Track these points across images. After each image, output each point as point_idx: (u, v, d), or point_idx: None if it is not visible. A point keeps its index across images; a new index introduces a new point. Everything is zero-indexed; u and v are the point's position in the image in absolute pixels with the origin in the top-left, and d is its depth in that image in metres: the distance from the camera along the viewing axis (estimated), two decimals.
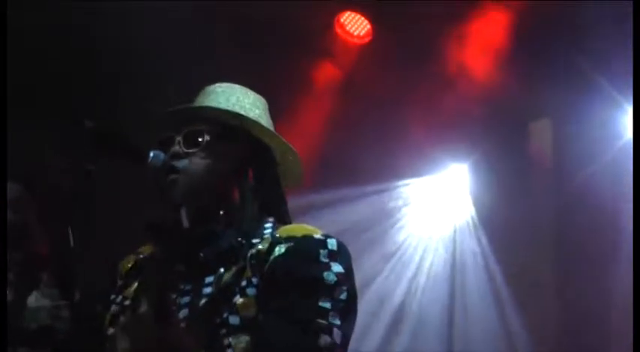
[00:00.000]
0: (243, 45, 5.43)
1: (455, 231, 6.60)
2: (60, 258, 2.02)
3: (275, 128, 2.34)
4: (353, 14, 5.89)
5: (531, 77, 5.64)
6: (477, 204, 6.45)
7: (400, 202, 6.72)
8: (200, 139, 2.18)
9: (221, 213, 2.13)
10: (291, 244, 2.06)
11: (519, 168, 6.21)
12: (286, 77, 5.64)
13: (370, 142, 6.10)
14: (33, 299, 1.99)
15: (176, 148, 2.18)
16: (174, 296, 2.03)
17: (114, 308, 2.17)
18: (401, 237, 6.72)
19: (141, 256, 2.26)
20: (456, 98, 5.88)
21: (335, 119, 6.01)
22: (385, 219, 6.72)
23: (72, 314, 2.00)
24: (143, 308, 1.83)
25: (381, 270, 6.64)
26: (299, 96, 5.97)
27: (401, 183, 6.63)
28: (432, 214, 6.70)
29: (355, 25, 5.92)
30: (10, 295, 2.96)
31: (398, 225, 6.73)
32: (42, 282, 1.99)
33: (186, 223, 1.92)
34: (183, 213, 1.94)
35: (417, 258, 6.68)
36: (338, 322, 1.96)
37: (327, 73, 6.01)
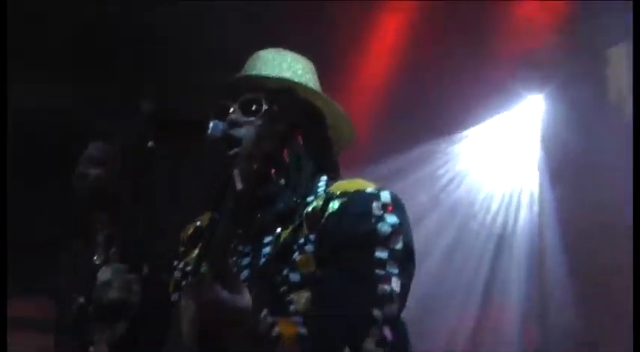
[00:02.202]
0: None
1: (530, 173, 6.55)
2: (128, 232, 2.11)
3: (324, 88, 2.36)
4: None
5: (606, 1, 5.51)
6: (552, 137, 6.36)
7: (474, 147, 6.67)
8: (258, 107, 2.20)
9: (274, 175, 2.14)
10: (345, 199, 2.09)
11: (596, 97, 6.09)
12: (349, 25, 5.65)
13: (441, 86, 6.05)
14: (103, 274, 2.07)
15: (233, 117, 2.20)
16: (234, 258, 2.09)
17: (176, 274, 2.27)
18: (475, 184, 6.70)
19: (198, 223, 2.35)
20: (529, 27, 5.78)
21: (400, 64, 5.98)
22: (460, 166, 6.70)
23: (142, 287, 2.08)
24: (204, 268, 1.88)
25: (452, 220, 6.66)
26: (362, 48, 5.97)
27: (476, 125, 6.58)
28: (508, 154, 6.66)
29: None
30: (98, 258, 3.10)
31: (472, 172, 6.71)
32: (110, 257, 2.07)
33: (239, 185, 1.88)
34: (236, 174, 1.90)
35: (494, 206, 6.67)
36: (396, 271, 2.00)
37: (391, 14, 5.96)
